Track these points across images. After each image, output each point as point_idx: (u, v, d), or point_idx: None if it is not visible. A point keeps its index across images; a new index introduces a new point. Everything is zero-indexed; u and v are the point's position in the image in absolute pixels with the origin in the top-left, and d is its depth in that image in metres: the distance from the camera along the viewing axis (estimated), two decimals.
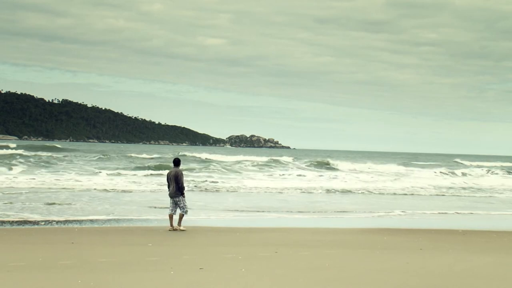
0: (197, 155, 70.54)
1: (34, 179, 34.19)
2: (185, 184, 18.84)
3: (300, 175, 48.55)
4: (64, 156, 60.98)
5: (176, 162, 18.56)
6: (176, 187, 18.02)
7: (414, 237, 17.21)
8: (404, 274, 11.29)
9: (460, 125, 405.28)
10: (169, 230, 17.74)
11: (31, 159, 51.35)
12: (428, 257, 13.44)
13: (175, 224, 17.97)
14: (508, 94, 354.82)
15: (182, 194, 18.09)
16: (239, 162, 60.75)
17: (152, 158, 64.61)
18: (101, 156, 64.48)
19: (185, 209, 18.08)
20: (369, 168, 62.29)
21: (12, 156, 53.62)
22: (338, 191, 36.22)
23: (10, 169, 41.12)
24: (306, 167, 61.67)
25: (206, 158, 66.43)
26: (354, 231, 18.64)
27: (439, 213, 26.04)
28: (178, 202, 18.03)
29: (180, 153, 71.04)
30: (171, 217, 18.02)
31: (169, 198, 18.27)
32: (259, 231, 17.88)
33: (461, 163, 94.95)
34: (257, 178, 42.95)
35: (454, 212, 26.60)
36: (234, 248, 14.07)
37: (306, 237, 16.67)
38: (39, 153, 61.66)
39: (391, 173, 57.00)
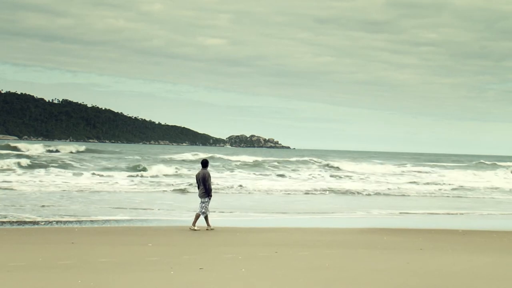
0: (224, 157, 70.36)
1: (26, 181, 34.05)
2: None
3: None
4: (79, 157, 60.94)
5: (204, 163, 18.60)
6: (204, 188, 18.09)
7: (414, 237, 17.21)
8: (404, 274, 11.29)
9: (460, 125, 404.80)
10: (206, 229, 17.82)
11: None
12: (428, 257, 13.44)
13: (189, 223, 18.13)
14: (508, 94, 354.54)
15: (209, 196, 18.13)
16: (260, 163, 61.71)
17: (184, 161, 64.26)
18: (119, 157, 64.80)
19: (203, 210, 18.08)
20: (402, 172, 60.57)
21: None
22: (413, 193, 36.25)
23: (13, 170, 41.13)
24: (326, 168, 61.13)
25: (230, 159, 66.49)
26: (354, 231, 18.64)
27: None
28: (202, 203, 18.10)
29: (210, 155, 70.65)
30: (206, 217, 18.12)
31: (199, 199, 18.36)
32: (259, 231, 17.88)
33: (486, 163, 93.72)
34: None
35: None
36: (234, 248, 14.07)
37: (306, 237, 16.67)
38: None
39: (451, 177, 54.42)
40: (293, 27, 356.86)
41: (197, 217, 17.99)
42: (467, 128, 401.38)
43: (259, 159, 68.44)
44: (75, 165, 48.55)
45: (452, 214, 26.14)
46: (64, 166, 46.85)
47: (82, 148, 79.82)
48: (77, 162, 51.65)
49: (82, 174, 40.62)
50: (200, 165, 19.05)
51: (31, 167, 44.15)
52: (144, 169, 46.86)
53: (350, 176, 49.81)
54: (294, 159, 73.37)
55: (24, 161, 46.17)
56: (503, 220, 24.86)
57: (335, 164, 65.37)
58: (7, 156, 53.02)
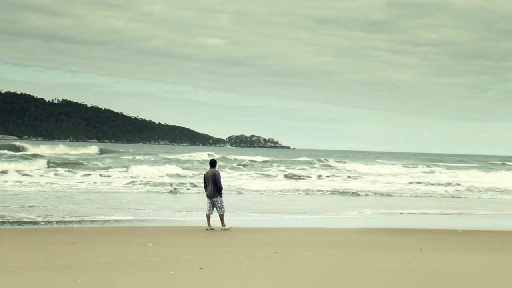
0: (238, 157, 70.43)
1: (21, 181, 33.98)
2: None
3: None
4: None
5: (213, 163, 18.76)
6: (214, 187, 18.20)
7: (414, 237, 17.21)
8: (404, 274, 11.29)
9: (460, 125, 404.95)
10: (207, 229, 17.91)
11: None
12: (428, 257, 13.44)
13: (213, 224, 18.16)
14: (508, 94, 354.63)
15: (220, 194, 18.27)
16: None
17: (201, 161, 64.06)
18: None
19: (223, 209, 18.23)
20: (428, 171, 59.88)
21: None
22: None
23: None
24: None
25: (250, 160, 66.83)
26: (354, 231, 18.64)
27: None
28: (216, 203, 18.21)
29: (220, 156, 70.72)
30: (208, 217, 18.24)
31: (207, 199, 18.45)
32: (259, 231, 17.88)
33: (496, 163, 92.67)
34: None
35: None
36: (234, 248, 14.07)
37: (306, 237, 16.67)
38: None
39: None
40: (293, 27, 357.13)
41: (221, 217, 18.19)
42: (467, 128, 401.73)
43: (269, 159, 68.79)
44: (84, 166, 48.49)
45: (452, 214, 26.13)
46: (70, 166, 46.72)
47: (96, 148, 79.75)
48: (87, 162, 51.71)
49: (77, 173, 40.67)
50: (203, 166, 19.15)
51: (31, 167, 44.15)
52: (125, 168, 46.23)
53: (360, 177, 49.61)
54: (302, 159, 73.60)
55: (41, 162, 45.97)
56: (503, 220, 24.86)
57: (342, 165, 65.10)
58: (15, 156, 53.01)
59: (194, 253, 13.24)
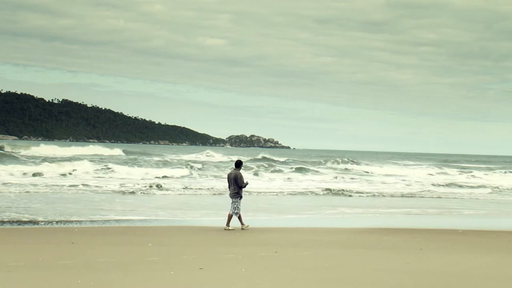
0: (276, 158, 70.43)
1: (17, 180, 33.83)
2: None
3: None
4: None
5: (238, 164, 18.96)
6: (236, 188, 18.36)
7: (414, 237, 17.21)
8: (404, 274, 11.29)
9: (460, 125, 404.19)
10: (242, 228, 18.10)
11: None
12: (428, 257, 13.45)
13: (232, 224, 18.22)
14: (508, 94, 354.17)
15: (240, 196, 18.40)
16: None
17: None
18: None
19: (236, 211, 18.31)
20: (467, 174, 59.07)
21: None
22: None
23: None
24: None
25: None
26: (353, 231, 18.64)
27: None
28: (233, 203, 18.36)
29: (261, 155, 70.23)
30: (239, 217, 18.33)
31: (230, 199, 18.60)
32: (259, 231, 17.89)
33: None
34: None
35: None
36: (234, 248, 14.08)
37: (306, 237, 16.67)
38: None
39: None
40: (293, 27, 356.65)
41: (229, 217, 18.22)
42: (467, 128, 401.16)
43: (281, 159, 68.75)
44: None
45: (453, 214, 26.14)
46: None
47: (120, 149, 79.17)
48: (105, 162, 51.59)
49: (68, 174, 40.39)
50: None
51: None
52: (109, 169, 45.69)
53: (381, 180, 48.74)
54: (312, 159, 73.46)
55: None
56: (503, 220, 24.86)
57: (359, 167, 64.40)
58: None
59: (194, 253, 13.24)
